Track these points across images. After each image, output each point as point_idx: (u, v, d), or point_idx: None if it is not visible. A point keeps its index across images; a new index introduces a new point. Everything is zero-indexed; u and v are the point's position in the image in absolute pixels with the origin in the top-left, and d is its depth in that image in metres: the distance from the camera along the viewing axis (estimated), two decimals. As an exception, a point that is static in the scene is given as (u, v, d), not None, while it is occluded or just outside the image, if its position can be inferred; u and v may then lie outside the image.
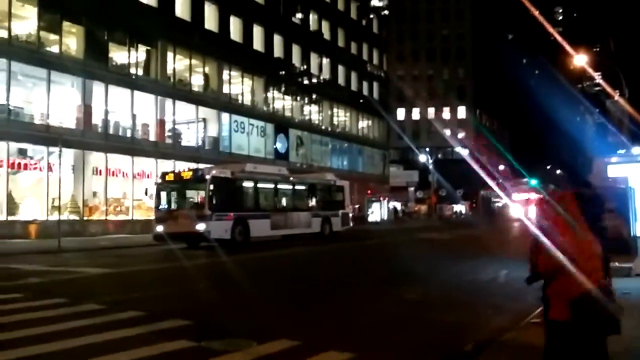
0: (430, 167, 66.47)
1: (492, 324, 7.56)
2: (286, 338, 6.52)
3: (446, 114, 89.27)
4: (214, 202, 22.06)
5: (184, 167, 26.41)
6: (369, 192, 57.24)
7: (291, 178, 28.92)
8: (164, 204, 23.61)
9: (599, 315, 3.67)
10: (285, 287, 11.64)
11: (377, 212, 58.97)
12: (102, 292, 10.75)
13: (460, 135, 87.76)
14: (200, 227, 21.58)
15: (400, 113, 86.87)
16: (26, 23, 28.27)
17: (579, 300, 3.65)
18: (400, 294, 10.36)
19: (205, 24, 37.35)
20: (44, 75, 28.04)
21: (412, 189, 72.16)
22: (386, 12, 64.66)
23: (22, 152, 27.60)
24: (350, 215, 33.73)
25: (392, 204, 66.03)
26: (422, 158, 69.16)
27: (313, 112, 50.61)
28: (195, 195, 23.49)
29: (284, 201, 27.58)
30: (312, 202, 29.35)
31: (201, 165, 28.68)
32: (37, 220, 26.73)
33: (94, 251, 21.17)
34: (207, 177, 22.40)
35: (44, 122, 28.07)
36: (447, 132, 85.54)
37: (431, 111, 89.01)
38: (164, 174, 24.58)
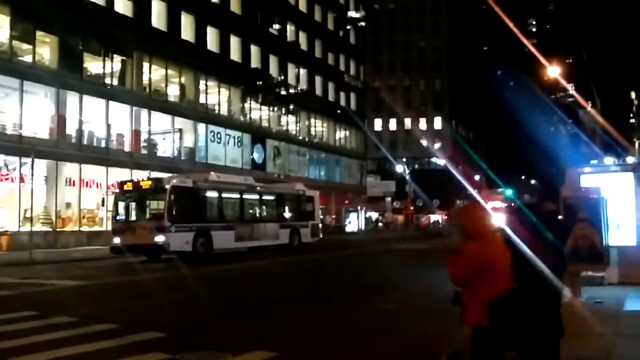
0: (407, 177, 66.85)
1: (468, 334, 7.57)
2: (262, 350, 6.47)
3: (423, 124, 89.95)
4: (173, 212, 21.19)
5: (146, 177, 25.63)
6: (346, 202, 57.33)
7: (258, 188, 27.96)
8: (121, 215, 22.61)
9: (513, 316, 3.91)
10: (256, 300, 11.49)
11: (355, 222, 59.06)
12: (75, 304, 10.62)
13: (437, 145, 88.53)
14: (159, 239, 20.64)
15: (378, 123, 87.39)
16: (-1, 32, 27.93)
17: (493, 303, 3.86)
18: (378, 304, 10.34)
19: (181, 34, 37.22)
20: (16, 85, 27.62)
21: (389, 199, 72.46)
22: (363, 23, 65.17)
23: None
24: (320, 225, 32.74)
25: (370, 214, 66.19)
26: (399, 168, 69.56)
27: (290, 123, 50.66)
28: (155, 206, 22.48)
29: (249, 212, 26.66)
30: (280, 213, 28.38)
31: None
32: (8, 231, 26.25)
33: (66, 263, 20.84)
34: (167, 186, 21.52)
35: (16, 132, 27.60)
36: (424, 142, 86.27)
37: (408, 122, 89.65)
38: (122, 183, 23.55)
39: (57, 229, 28.75)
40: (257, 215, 26.96)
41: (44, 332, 7.70)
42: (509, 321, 3.90)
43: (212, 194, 24.31)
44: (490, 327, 3.86)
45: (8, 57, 27.48)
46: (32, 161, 22.28)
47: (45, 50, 29.84)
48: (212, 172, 27.00)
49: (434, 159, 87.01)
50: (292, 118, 50.63)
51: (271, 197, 28.39)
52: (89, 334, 7.56)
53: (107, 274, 17.66)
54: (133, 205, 22.64)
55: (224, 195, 24.85)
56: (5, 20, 27.54)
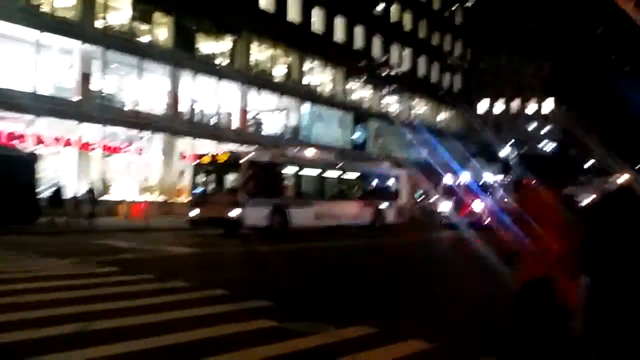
0: (512, 161, 64.54)
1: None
2: (364, 324, 6.64)
3: (531, 107, 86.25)
4: (249, 187, 20.47)
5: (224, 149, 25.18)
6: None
7: (339, 164, 26.42)
8: (199, 187, 22.24)
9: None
10: (351, 276, 11.67)
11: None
12: (189, 270, 11.35)
13: (545, 130, 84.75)
14: (235, 213, 20.02)
15: (483, 105, 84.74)
16: (121, 14, 29.72)
17: (519, 289, 3.92)
18: (478, 288, 10.23)
19: (288, 16, 37.89)
20: (135, 63, 29.42)
21: (491, 183, 70.29)
22: (470, 3, 63.15)
23: (115, 136, 29.09)
24: (408, 207, 31.05)
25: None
26: (505, 152, 67.25)
27: (392, 103, 50.34)
28: (232, 179, 21.80)
29: (330, 189, 25.35)
30: (363, 192, 26.95)
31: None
32: (127, 200, 28.18)
33: (179, 231, 21.92)
34: (243, 160, 20.78)
35: (134, 107, 29.49)
36: (531, 126, 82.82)
37: (515, 104, 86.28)
38: (200, 156, 22.80)
39: (171, 199, 30.51)
40: (338, 193, 25.75)
41: (161, 294, 8.22)
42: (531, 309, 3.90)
43: (290, 169, 23.26)
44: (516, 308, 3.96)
45: (129, 36, 29.26)
46: (150, 135, 23.65)
47: (162, 30, 31.49)
48: (290, 147, 26.48)
49: (541, 144, 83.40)
50: (394, 98, 50.28)
51: (353, 175, 27.01)
52: (201, 298, 8.00)
53: (214, 243, 18.52)
54: (211, 178, 22.23)
55: (303, 171, 23.80)
56: (127, 2, 29.29)
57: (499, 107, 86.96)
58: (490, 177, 29.85)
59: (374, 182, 28.26)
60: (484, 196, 27.19)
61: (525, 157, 69.84)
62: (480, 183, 28.44)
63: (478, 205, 26.96)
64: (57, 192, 22.55)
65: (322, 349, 5.78)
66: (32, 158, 21.74)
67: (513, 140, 74.61)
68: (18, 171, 20.00)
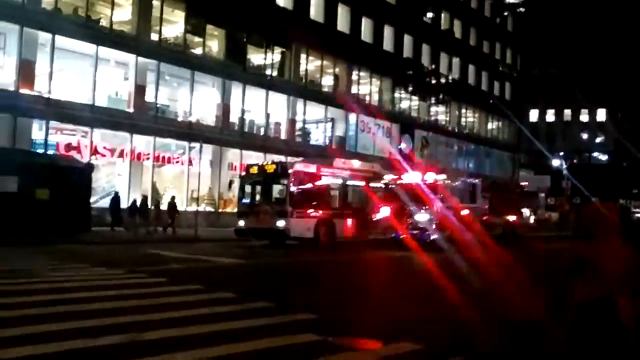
0: (564, 172, 62.85)
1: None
2: (410, 341, 6.60)
3: (584, 116, 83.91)
4: (295, 198, 20.61)
5: (269, 160, 24.98)
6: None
7: (385, 176, 25.95)
8: (246, 198, 22.46)
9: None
10: (397, 289, 11.61)
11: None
12: (235, 281, 11.49)
13: (599, 139, 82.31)
14: (280, 224, 20.25)
15: (534, 115, 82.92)
16: (174, 27, 30.54)
17: (584, 304, 3.87)
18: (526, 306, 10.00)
19: (337, 26, 38.09)
20: (188, 76, 30.10)
21: (543, 194, 68.60)
22: (522, 9, 62.01)
23: (167, 147, 29.78)
24: None
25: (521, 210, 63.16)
26: (556, 162, 65.57)
27: (440, 113, 49.84)
28: (278, 190, 22.06)
29: (376, 201, 24.62)
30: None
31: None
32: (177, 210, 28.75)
33: (226, 242, 22.14)
34: (290, 171, 20.96)
35: (186, 119, 30.16)
36: (584, 136, 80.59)
37: (567, 113, 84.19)
38: (248, 167, 23.14)
39: (219, 210, 30.94)
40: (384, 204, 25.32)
41: (207, 305, 8.37)
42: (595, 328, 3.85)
43: (335, 181, 23.21)
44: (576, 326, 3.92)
45: (182, 49, 30.00)
46: (200, 146, 24.14)
47: (213, 42, 32.17)
48: (337, 158, 26.16)
49: (595, 154, 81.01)
50: (442, 108, 49.75)
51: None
52: (247, 310, 8.10)
53: (260, 254, 18.83)
54: (257, 189, 22.40)
55: (349, 182, 23.68)
56: (180, 15, 30.06)
57: (550, 116, 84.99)
58: (440, 177, 24.45)
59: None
60: (433, 202, 22.42)
61: (577, 168, 68.00)
62: (428, 184, 23.23)
63: (422, 216, 22.45)
64: (142, 203, 23.97)
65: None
66: (89, 168, 22.50)
67: (564, 151, 72.79)
68: (75, 181, 20.72)
